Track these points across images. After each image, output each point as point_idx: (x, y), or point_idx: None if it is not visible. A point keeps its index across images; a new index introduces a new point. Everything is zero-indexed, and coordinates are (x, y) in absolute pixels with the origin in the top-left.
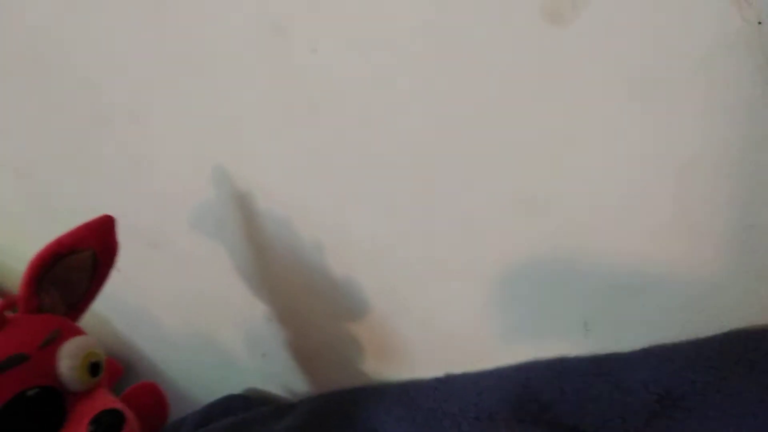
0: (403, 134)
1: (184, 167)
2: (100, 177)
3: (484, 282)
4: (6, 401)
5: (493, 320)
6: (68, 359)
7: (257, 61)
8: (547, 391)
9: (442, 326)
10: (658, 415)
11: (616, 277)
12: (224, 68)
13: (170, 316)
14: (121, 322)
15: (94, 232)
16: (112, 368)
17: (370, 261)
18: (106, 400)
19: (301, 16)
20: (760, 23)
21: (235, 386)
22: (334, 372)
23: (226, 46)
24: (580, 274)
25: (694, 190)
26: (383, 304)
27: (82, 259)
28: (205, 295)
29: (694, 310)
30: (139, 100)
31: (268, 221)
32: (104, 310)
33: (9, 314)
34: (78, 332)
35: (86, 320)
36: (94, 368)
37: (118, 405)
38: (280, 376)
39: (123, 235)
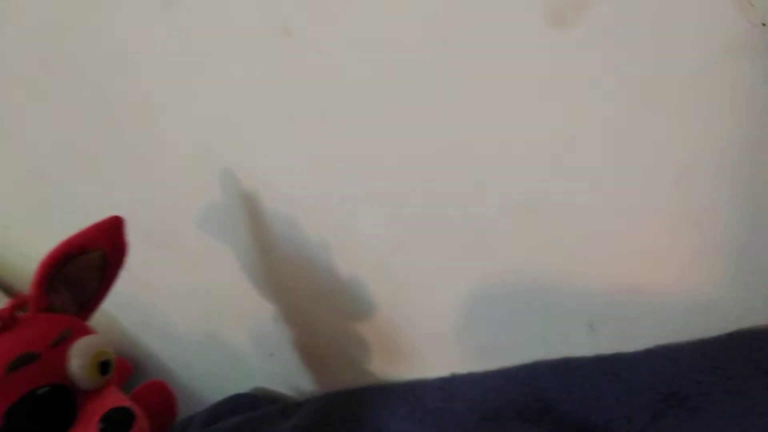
0: (409, 135)
1: (193, 168)
2: (110, 178)
3: (490, 282)
4: (17, 399)
5: (499, 320)
6: (78, 358)
7: (265, 63)
8: (552, 390)
9: (448, 326)
10: (664, 414)
11: (621, 277)
12: (232, 70)
13: (179, 316)
14: (130, 321)
15: (103, 233)
16: (122, 367)
17: (376, 261)
18: (116, 398)
19: (308, 19)
20: (764, 25)
21: (242, 385)
22: (341, 371)
23: (234, 48)
24: (585, 275)
25: (696, 191)
26: (389, 304)
27: (92, 259)
28: (213, 295)
29: (698, 310)
30: (148, 102)
31: (276, 222)
32: (114, 310)
33: (20, 314)
34: (88, 331)
35: (96, 320)
36: (103, 367)
37: (127, 403)
38: (287, 376)
39: (132, 235)
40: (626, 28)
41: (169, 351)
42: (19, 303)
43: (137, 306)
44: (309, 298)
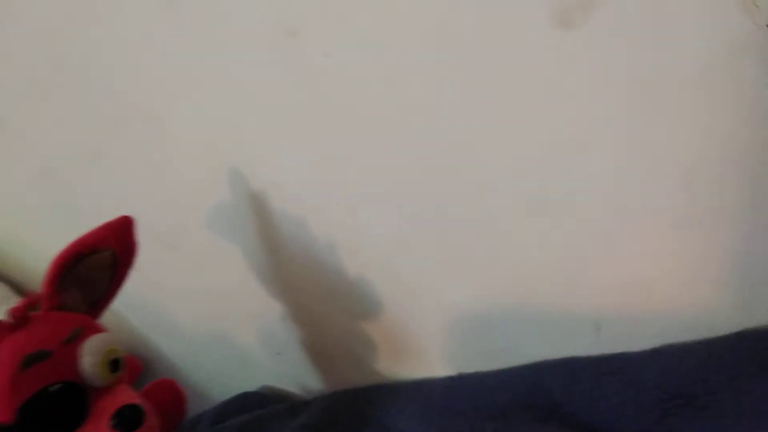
0: (416, 136)
1: (201, 168)
2: (119, 178)
3: (496, 282)
4: (30, 396)
5: (505, 320)
6: (90, 356)
7: (272, 63)
8: (558, 389)
9: (455, 325)
10: (670, 414)
11: (627, 276)
12: (239, 71)
13: (187, 315)
14: (139, 321)
15: (113, 233)
16: (132, 366)
17: (384, 260)
18: (127, 395)
19: (315, 19)
20: None
21: (250, 384)
22: (348, 370)
23: (241, 49)
24: (592, 275)
25: (702, 192)
26: (397, 304)
27: (102, 259)
28: (222, 295)
29: (705, 309)
30: (156, 102)
31: (283, 221)
32: (123, 310)
33: (32, 312)
34: (99, 330)
35: (105, 319)
36: (114, 364)
37: (138, 400)
38: (294, 374)
39: (141, 235)
40: (631, 30)
41: (178, 350)
42: (32, 301)
43: (146, 306)
44: (317, 297)
